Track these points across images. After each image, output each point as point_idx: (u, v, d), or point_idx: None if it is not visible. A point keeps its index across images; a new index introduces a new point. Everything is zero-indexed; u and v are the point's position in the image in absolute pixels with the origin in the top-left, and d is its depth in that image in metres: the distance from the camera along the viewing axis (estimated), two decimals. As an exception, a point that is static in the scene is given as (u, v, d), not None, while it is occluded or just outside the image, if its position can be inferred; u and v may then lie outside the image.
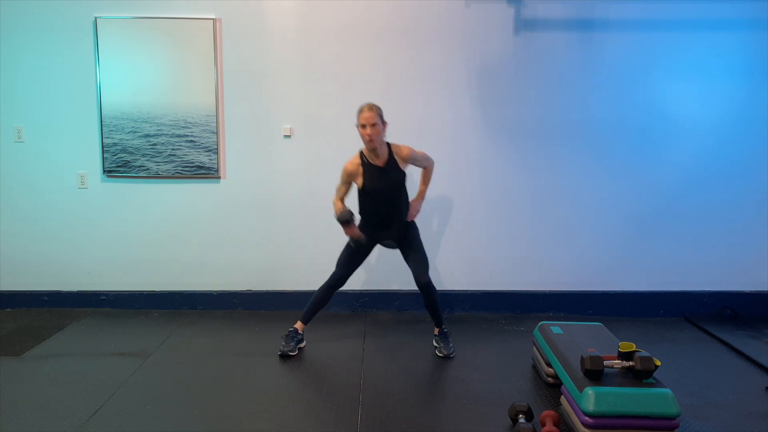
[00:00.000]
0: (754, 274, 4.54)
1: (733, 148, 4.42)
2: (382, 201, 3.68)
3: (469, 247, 4.53)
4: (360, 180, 3.63)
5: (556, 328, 3.43)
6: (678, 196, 4.47)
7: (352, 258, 3.80)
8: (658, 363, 2.77)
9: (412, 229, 3.82)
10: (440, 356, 3.76)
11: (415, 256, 3.75)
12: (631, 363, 2.77)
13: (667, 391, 2.67)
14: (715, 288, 4.55)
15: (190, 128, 4.38)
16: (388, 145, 3.64)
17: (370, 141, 3.51)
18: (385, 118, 3.59)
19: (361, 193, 3.68)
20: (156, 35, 4.28)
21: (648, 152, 4.42)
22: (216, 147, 4.40)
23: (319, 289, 3.86)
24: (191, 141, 4.39)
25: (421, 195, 3.87)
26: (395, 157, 3.64)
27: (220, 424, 2.91)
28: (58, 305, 4.57)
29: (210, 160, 4.41)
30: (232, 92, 4.38)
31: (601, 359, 2.75)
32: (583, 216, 4.49)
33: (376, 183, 3.62)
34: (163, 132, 4.37)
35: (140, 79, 4.32)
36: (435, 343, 3.86)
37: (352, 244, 3.74)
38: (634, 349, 2.81)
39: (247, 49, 4.34)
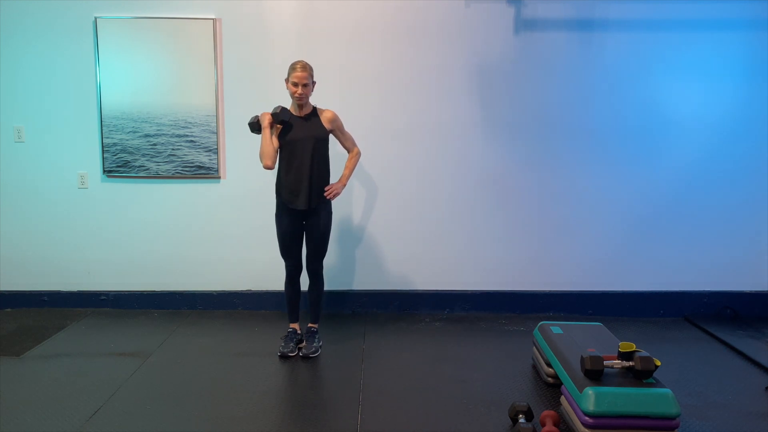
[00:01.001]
0: (754, 274, 4.54)
1: (733, 148, 4.42)
2: (299, 153, 3.60)
3: (468, 247, 4.53)
4: (279, 127, 3.61)
5: (556, 328, 3.43)
6: (678, 196, 4.47)
7: (290, 242, 3.72)
8: (658, 363, 2.77)
9: (325, 212, 3.72)
10: (300, 355, 3.72)
11: (316, 240, 3.71)
12: (631, 363, 2.77)
13: (667, 391, 2.67)
14: (715, 288, 4.55)
15: (190, 128, 4.38)
16: (315, 108, 3.68)
17: (299, 99, 3.55)
18: (311, 66, 3.58)
19: (281, 149, 3.63)
20: (156, 35, 4.28)
21: (648, 152, 4.42)
22: (216, 147, 4.40)
23: (285, 289, 3.84)
24: (191, 141, 4.39)
25: (344, 178, 3.77)
26: (320, 116, 3.66)
27: (220, 424, 2.91)
28: (58, 305, 4.57)
29: (210, 160, 4.41)
30: (232, 92, 4.38)
31: (601, 359, 2.75)
32: (583, 216, 4.49)
33: (294, 133, 3.61)
34: (163, 132, 4.37)
35: (140, 79, 4.32)
36: (300, 343, 3.83)
37: (274, 120, 3.59)
38: (634, 349, 2.81)
39: (247, 49, 4.33)
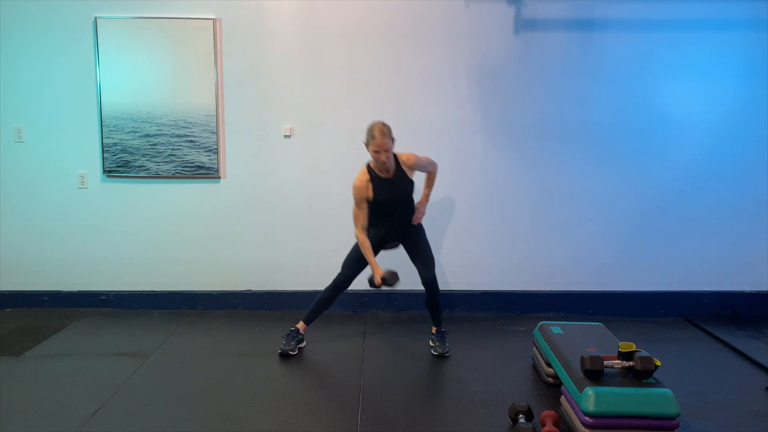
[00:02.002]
0: (754, 274, 4.54)
1: (733, 148, 4.42)
2: (392, 210, 3.71)
3: (469, 247, 4.53)
4: (371, 194, 3.63)
5: (556, 328, 3.43)
6: (678, 195, 4.47)
7: (360, 260, 3.80)
8: (658, 363, 2.77)
9: (418, 229, 3.85)
10: (435, 354, 3.77)
11: (423, 256, 3.77)
12: (631, 363, 2.77)
13: (667, 391, 2.67)
14: (715, 288, 4.55)
15: (190, 128, 4.38)
16: (395, 155, 3.65)
17: (382, 164, 3.54)
18: (391, 128, 3.56)
19: (372, 204, 3.68)
20: (156, 35, 4.28)
21: (648, 152, 4.43)
22: (216, 147, 4.40)
23: (324, 290, 3.86)
24: (191, 141, 4.39)
25: (426, 198, 3.91)
26: (402, 167, 3.65)
27: (220, 424, 2.91)
28: (58, 305, 4.57)
29: (210, 160, 4.41)
30: (232, 92, 4.38)
31: (601, 359, 2.75)
32: (583, 216, 4.50)
33: (386, 195, 3.64)
34: (163, 132, 4.37)
35: (140, 79, 4.32)
36: (431, 342, 3.86)
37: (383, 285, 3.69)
38: (634, 349, 2.81)
39: (247, 49, 4.34)
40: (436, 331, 3.89)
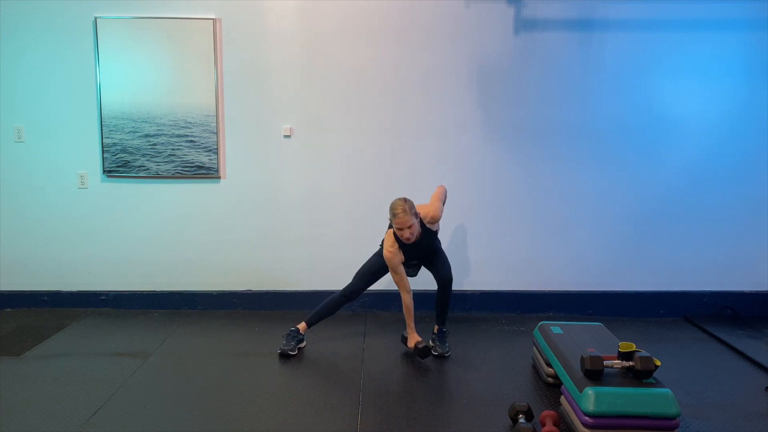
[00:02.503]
0: (754, 274, 4.54)
1: (733, 148, 4.42)
2: (419, 257, 3.77)
3: (469, 247, 4.53)
4: (401, 257, 3.65)
5: (556, 328, 3.43)
6: (678, 195, 4.47)
7: (373, 274, 3.81)
8: (658, 363, 2.77)
9: (437, 247, 3.85)
10: (435, 354, 3.77)
11: (441, 262, 3.78)
12: (631, 363, 2.77)
13: (667, 391, 2.67)
14: (715, 288, 4.55)
15: (190, 128, 4.38)
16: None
17: (408, 240, 3.53)
18: (411, 202, 3.52)
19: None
20: (156, 35, 4.28)
21: (648, 152, 4.42)
22: (216, 147, 4.40)
23: (331, 297, 3.86)
24: (191, 141, 4.39)
25: None
26: (427, 226, 3.66)
27: (220, 424, 2.91)
28: (58, 305, 4.57)
29: (210, 160, 4.41)
30: (232, 92, 4.38)
31: (601, 359, 2.75)
32: (583, 216, 4.50)
33: (414, 253, 3.69)
34: (163, 132, 4.37)
35: (140, 79, 4.32)
36: (431, 342, 3.86)
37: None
38: (634, 349, 2.81)
39: (247, 49, 4.33)
40: (438, 330, 3.89)
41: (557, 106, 4.38)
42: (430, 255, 3.80)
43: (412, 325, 3.74)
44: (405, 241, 3.54)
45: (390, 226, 3.66)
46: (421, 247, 3.68)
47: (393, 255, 3.62)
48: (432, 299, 3.86)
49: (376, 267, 3.80)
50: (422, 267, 3.89)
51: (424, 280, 4.04)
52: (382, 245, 3.76)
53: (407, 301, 3.70)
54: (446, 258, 3.83)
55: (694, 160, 4.43)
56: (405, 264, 3.75)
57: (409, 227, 3.48)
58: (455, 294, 4.54)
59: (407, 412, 3.05)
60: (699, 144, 4.42)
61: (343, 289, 3.84)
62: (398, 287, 3.72)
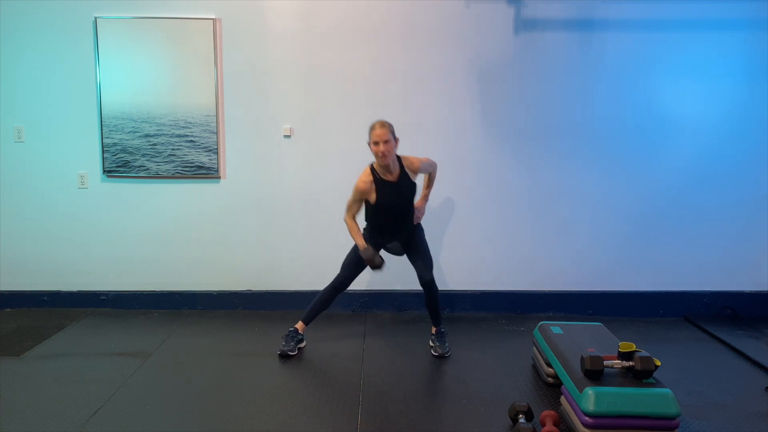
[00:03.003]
0: (754, 274, 4.54)
1: (733, 148, 4.42)
2: (394, 213, 3.71)
3: (469, 247, 4.53)
4: (373, 196, 3.62)
5: (556, 328, 3.43)
6: (678, 196, 4.47)
7: (358, 262, 3.80)
8: (658, 363, 2.77)
9: (418, 230, 3.85)
10: (435, 355, 3.77)
11: (420, 256, 3.77)
12: (631, 363, 2.77)
13: (667, 391, 2.67)
14: (715, 288, 4.55)
15: (190, 128, 4.38)
16: (399, 158, 3.65)
17: (383, 157, 3.51)
18: (391, 124, 3.57)
19: (373, 206, 3.68)
20: (156, 35, 4.28)
21: (648, 152, 4.43)
22: (216, 147, 4.40)
23: (322, 291, 3.87)
24: (191, 141, 4.39)
25: (425, 198, 3.91)
26: (406, 170, 3.65)
27: (220, 424, 2.91)
28: (58, 305, 4.57)
29: (210, 160, 4.41)
30: (232, 92, 4.38)
31: (601, 359, 2.75)
32: (583, 216, 4.50)
33: (389, 198, 3.63)
34: (163, 132, 4.37)
35: (140, 79, 4.32)
36: (431, 342, 3.86)
37: (372, 269, 3.73)
38: (634, 349, 2.81)
39: (247, 49, 4.34)
40: (436, 331, 3.89)
41: (557, 106, 4.38)
42: (411, 234, 3.78)
43: (361, 239, 3.67)
44: (380, 157, 3.50)
45: (370, 164, 3.67)
46: (398, 191, 3.63)
47: (365, 186, 3.59)
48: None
49: (360, 255, 3.77)
50: (405, 256, 3.88)
51: (417, 281, 4.04)
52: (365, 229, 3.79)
53: (350, 223, 3.69)
54: (428, 250, 3.82)
55: (694, 160, 4.43)
56: (385, 244, 3.78)
57: (386, 142, 3.47)
58: (456, 294, 4.55)
59: (407, 412, 3.05)
60: (699, 144, 4.42)
61: (333, 280, 3.85)
62: (347, 210, 3.68)
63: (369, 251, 3.64)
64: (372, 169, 3.64)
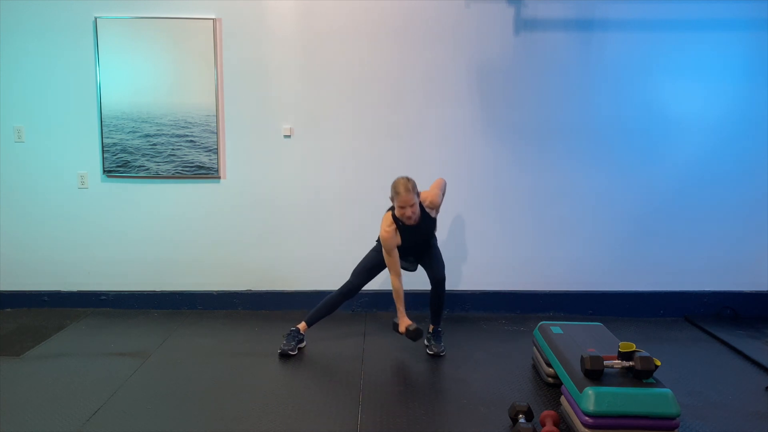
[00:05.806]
0: (754, 274, 4.54)
1: (733, 148, 4.42)
2: (415, 248, 3.76)
3: (468, 247, 4.53)
4: (398, 239, 3.64)
5: (556, 328, 3.43)
6: (678, 196, 4.47)
7: (370, 271, 3.81)
8: (658, 363, 2.77)
9: (433, 243, 3.86)
10: (430, 354, 3.77)
11: (435, 260, 3.78)
12: (631, 363, 2.77)
13: (667, 391, 2.67)
14: (715, 288, 4.55)
15: (190, 128, 4.38)
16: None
17: (408, 219, 3.51)
18: (413, 181, 3.54)
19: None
20: (156, 35, 4.28)
21: (648, 152, 4.42)
22: (216, 147, 4.40)
23: (329, 296, 3.86)
24: (191, 141, 4.39)
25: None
26: (426, 210, 3.66)
27: (220, 424, 2.91)
28: (58, 305, 4.57)
29: (210, 160, 4.41)
30: (232, 92, 4.38)
31: (601, 359, 2.75)
32: (583, 216, 4.50)
33: (412, 238, 3.67)
34: (163, 132, 4.37)
35: (140, 79, 4.32)
36: (426, 341, 3.87)
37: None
38: (634, 349, 2.81)
39: (247, 49, 4.33)
40: (433, 330, 3.89)
41: (557, 106, 4.38)
42: (426, 248, 3.79)
43: (402, 309, 3.72)
44: (406, 221, 3.52)
45: (389, 209, 3.66)
46: (419, 232, 3.66)
47: (390, 236, 3.60)
48: (426, 299, 3.86)
49: (374, 263, 3.80)
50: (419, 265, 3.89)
51: (419, 281, 4.05)
52: (378, 241, 3.76)
53: (397, 285, 3.69)
54: (441, 255, 3.83)
55: (693, 160, 4.43)
56: (401, 258, 3.75)
57: (411, 206, 3.46)
58: (455, 294, 4.54)
59: (407, 412, 3.05)
60: (699, 144, 4.42)
61: (342, 286, 3.84)
62: (389, 270, 3.69)
63: (419, 331, 3.65)
64: (393, 216, 3.62)
